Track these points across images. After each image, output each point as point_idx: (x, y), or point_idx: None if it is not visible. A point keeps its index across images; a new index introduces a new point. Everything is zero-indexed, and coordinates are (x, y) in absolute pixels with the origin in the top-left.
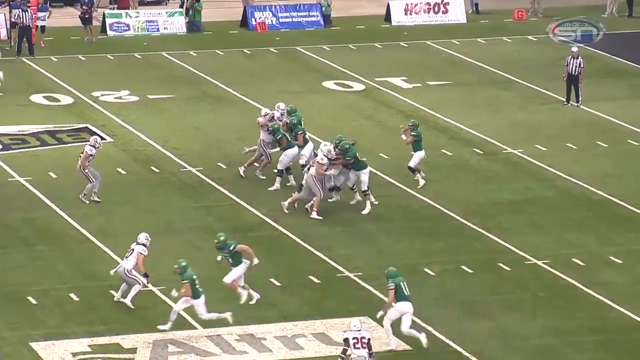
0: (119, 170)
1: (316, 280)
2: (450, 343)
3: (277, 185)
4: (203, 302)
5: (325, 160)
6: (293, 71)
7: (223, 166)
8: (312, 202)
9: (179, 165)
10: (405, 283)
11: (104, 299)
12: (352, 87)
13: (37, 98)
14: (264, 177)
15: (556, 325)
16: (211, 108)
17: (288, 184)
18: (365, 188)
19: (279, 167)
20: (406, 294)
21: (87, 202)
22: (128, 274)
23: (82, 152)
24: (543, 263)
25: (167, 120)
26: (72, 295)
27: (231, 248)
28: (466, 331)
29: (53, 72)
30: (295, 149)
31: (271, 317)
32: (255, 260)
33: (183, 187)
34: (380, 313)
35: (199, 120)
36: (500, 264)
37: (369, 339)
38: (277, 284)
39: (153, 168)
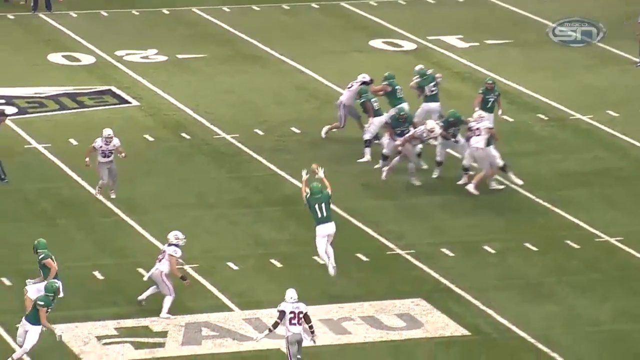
0: (146, 137)
1: (364, 259)
2: (513, 328)
3: (367, 156)
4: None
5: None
6: (337, 29)
7: (260, 132)
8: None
9: (212, 132)
10: (325, 204)
11: (131, 278)
12: (402, 47)
13: (56, 57)
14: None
15: (629, 310)
16: (246, 69)
17: (361, 160)
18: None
19: (366, 136)
20: (319, 215)
21: (99, 196)
22: (165, 279)
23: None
24: (615, 240)
25: (198, 82)
26: (96, 273)
27: (40, 258)
28: (530, 315)
29: (73, 29)
30: (383, 117)
31: (315, 298)
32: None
33: (216, 156)
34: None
35: (233, 82)
36: (568, 242)
37: (305, 313)
38: (321, 262)
39: (183, 135)
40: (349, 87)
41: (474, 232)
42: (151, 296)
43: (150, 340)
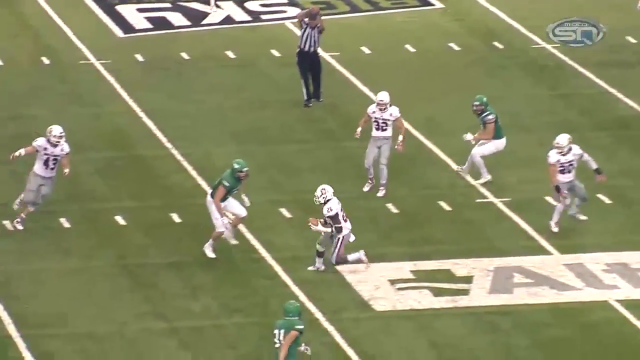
0: (451, 45)
1: None
2: None
3: None
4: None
5: None
6: None
7: (587, 42)
8: None
9: (530, 41)
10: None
11: (431, 212)
12: None
13: None
14: None
15: None
16: None
17: None
18: None
19: None
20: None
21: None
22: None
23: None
24: None
25: None
26: (389, 206)
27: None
28: None
29: None
30: None
31: None
32: None
33: (534, 69)
34: (468, 137)
35: None
36: None
37: None
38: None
39: (495, 44)
40: None
41: None
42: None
43: (453, 286)
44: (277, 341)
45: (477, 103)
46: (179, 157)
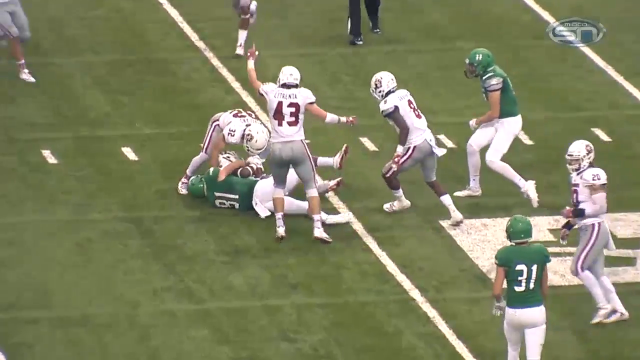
0: None
1: None
2: None
3: None
4: None
5: None
6: None
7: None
8: None
9: None
10: None
11: None
12: None
13: None
14: None
15: None
16: None
17: None
18: None
19: None
20: None
21: None
22: None
23: None
24: None
25: None
26: (520, 134)
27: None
28: None
29: None
30: None
31: None
32: None
33: None
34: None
35: None
36: None
37: None
38: None
39: None
40: None
41: None
42: None
43: (611, 253)
44: (524, 280)
45: (467, 61)
46: (215, 62)
